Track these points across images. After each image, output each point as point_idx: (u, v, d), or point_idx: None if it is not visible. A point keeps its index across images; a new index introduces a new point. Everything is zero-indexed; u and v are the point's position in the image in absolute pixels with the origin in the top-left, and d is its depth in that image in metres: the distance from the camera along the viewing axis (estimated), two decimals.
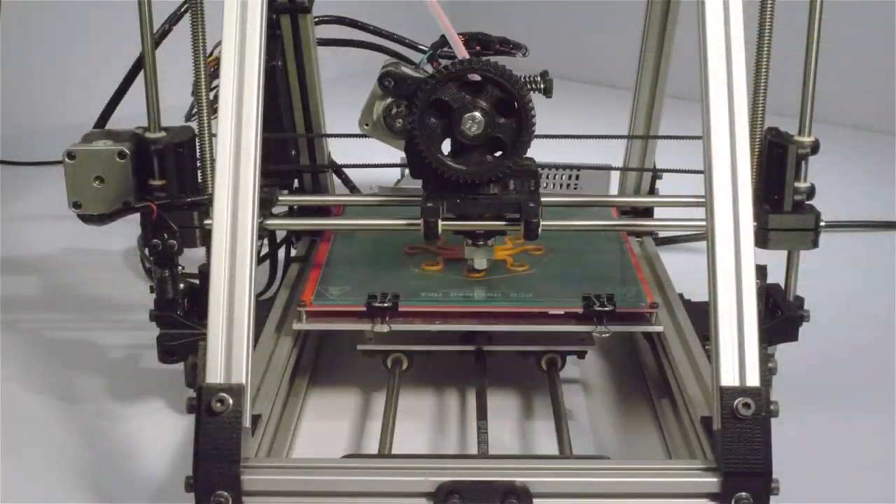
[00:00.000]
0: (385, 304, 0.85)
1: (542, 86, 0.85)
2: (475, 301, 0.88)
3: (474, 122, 0.81)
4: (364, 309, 0.85)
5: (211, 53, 0.86)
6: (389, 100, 0.87)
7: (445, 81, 0.81)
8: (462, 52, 0.84)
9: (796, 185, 0.83)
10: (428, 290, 0.89)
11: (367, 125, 0.89)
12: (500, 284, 0.91)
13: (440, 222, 0.83)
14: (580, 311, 0.85)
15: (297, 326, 0.88)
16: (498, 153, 0.83)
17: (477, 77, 0.81)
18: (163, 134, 0.87)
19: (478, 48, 0.88)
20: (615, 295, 0.86)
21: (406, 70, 0.85)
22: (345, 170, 1.20)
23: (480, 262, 0.91)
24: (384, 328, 0.85)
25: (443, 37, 0.86)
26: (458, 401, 0.93)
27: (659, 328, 0.87)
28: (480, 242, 0.89)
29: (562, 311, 0.86)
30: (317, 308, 0.87)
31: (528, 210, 0.83)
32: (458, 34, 0.85)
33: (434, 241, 0.97)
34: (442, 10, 0.83)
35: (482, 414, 0.83)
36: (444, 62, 0.85)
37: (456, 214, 0.85)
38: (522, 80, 0.82)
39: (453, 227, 0.87)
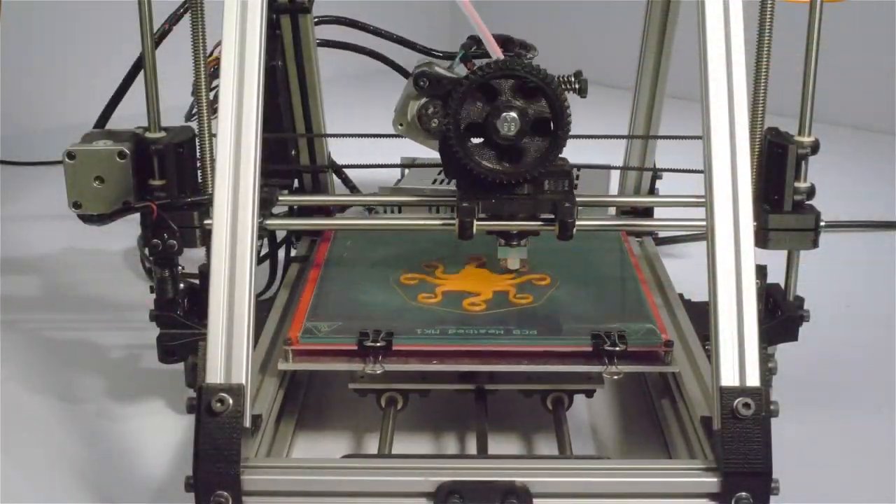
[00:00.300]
0: (377, 344, 0.79)
1: (576, 86, 0.84)
2: (475, 339, 0.82)
3: (510, 122, 0.80)
4: (355, 348, 0.80)
5: (211, 53, 0.86)
6: (424, 100, 0.86)
7: (481, 82, 0.79)
8: (497, 53, 0.83)
9: (796, 185, 0.83)
10: (424, 326, 0.83)
11: (401, 125, 0.88)
12: (501, 318, 0.85)
13: (476, 222, 0.82)
14: (589, 349, 0.80)
15: (282, 367, 0.81)
16: (533, 153, 0.82)
17: (514, 77, 0.80)
18: (163, 134, 0.86)
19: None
20: (627, 331, 0.81)
21: (441, 70, 0.85)
22: (345, 170, 1.20)
23: (514, 262, 0.88)
24: (376, 370, 0.79)
25: (471, 37, 0.85)
26: (457, 444, 0.88)
27: (675, 369, 0.81)
28: (514, 242, 0.86)
29: (569, 350, 0.80)
30: (304, 347, 0.81)
31: (564, 210, 0.81)
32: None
33: (433, 270, 0.94)
34: (474, 10, 0.82)
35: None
36: (477, 63, 0.85)
37: (489, 214, 0.84)
38: (557, 80, 0.81)
39: (487, 227, 0.84)
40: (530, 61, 0.86)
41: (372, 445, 0.86)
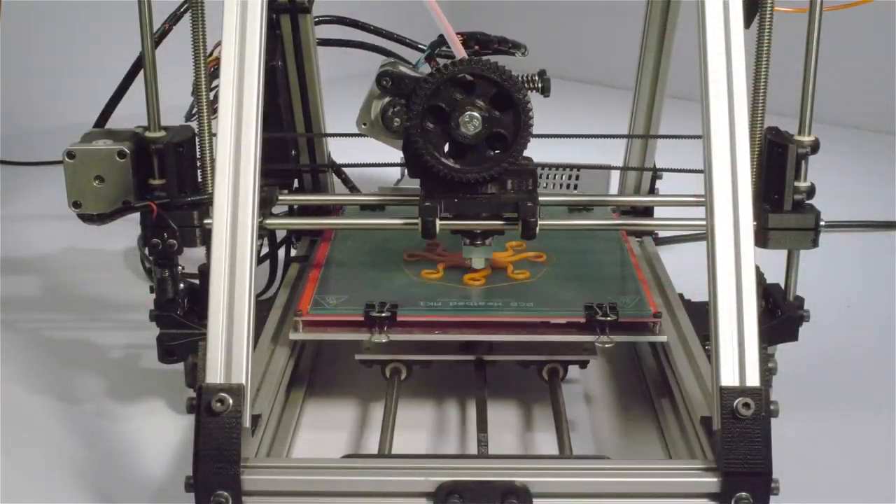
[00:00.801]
0: (383, 314, 0.83)
1: (539, 85, 0.85)
2: (475, 310, 0.86)
3: (472, 121, 0.81)
4: (362, 319, 0.84)
5: (211, 53, 0.86)
6: (387, 99, 0.86)
7: (443, 81, 0.81)
8: (460, 52, 0.84)
9: (796, 184, 0.83)
10: (427, 299, 0.87)
11: (364, 125, 0.88)
12: (500, 293, 0.89)
13: (438, 221, 0.83)
14: (582, 320, 0.84)
15: (293, 336, 0.86)
16: (495, 152, 0.83)
17: (475, 76, 0.80)
18: (163, 133, 0.86)
19: (476, 47, 0.87)
20: (618, 304, 0.84)
21: (404, 69, 0.85)
22: (345, 169, 1.20)
23: (479, 262, 0.90)
24: (382, 338, 0.83)
25: (441, 36, 0.85)
26: (457, 411, 0.92)
27: (663, 338, 0.85)
28: (478, 242, 0.88)
29: (563, 321, 0.84)
30: (313, 318, 0.85)
31: (526, 209, 0.83)
32: (457, 33, 0.85)
33: (434, 248, 0.97)
34: (440, 9, 0.82)
35: (482, 426, 0.81)
36: (441, 62, 0.85)
37: (453, 214, 0.85)
38: (520, 79, 0.82)
39: (451, 227, 0.86)
40: (516, 55, 0.86)
41: (377, 411, 0.89)
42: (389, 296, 0.87)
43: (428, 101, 0.81)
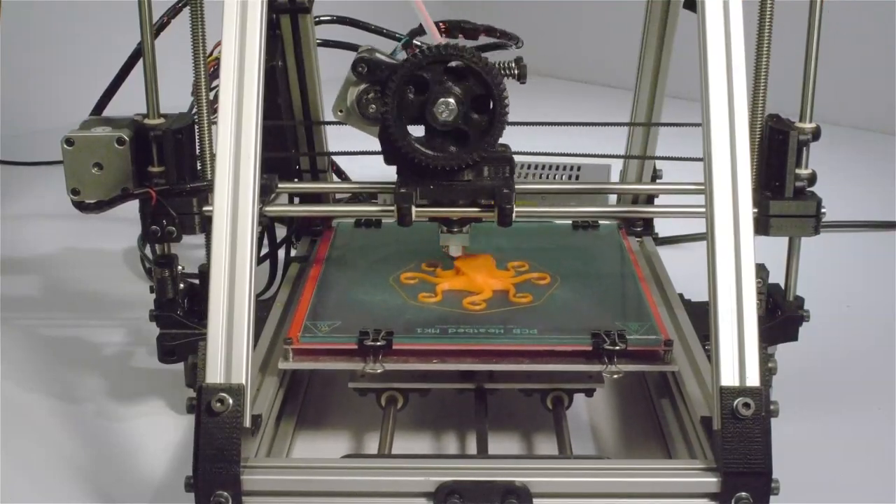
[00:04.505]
0: (378, 343, 0.79)
1: (515, 71, 0.83)
2: (475, 338, 0.81)
3: (447, 107, 0.79)
4: (355, 347, 0.79)
5: (211, 53, 0.86)
6: (363, 86, 0.85)
7: (418, 66, 0.79)
8: (436, 36, 0.83)
9: (797, 171, 0.82)
10: (424, 326, 0.83)
11: (341, 111, 0.87)
12: (502, 318, 0.85)
13: (414, 209, 0.82)
14: (589, 348, 0.79)
15: (282, 366, 0.81)
16: (471, 139, 0.81)
17: (450, 62, 0.79)
18: (161, 120, 0.86)
19: (460, 36, 0.87)
20: (627, 330, 0.81)
21: (380, 56, 0.84)
22: (342, 157, 1.20)
23: (455, 249, 0.88)
24: (376, 368, 0.79)
25: (421, 25, 0.85)
26: (456, 444, 0.88)
27: (674, 368, 0.81)
28: (455, 229, 0.87)
29: (569, 349, 0.80)
30: (304, 346, 0.81)
31: (502, 196, 0.82)
32: (440, 21, 0.85)
33: (433, 269, 0.95)
34: None
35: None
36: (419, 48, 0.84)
37: (430, 201, 0.83)
38: (496, 66, 0.81)
39: (427, 214, 0.84)
40: (511, 47, 0.86)
41: (372, 445, 0.86)
42: (384, 321, 0.83)
43: (402, 87, 0.80)
